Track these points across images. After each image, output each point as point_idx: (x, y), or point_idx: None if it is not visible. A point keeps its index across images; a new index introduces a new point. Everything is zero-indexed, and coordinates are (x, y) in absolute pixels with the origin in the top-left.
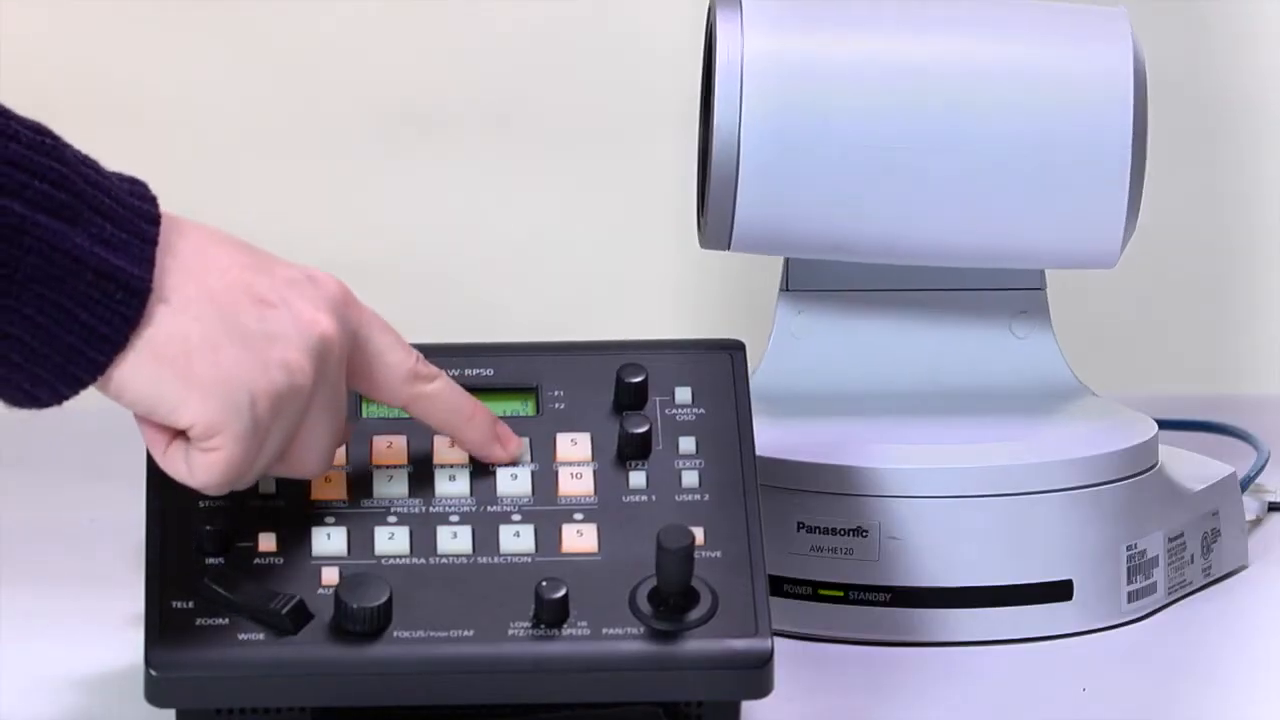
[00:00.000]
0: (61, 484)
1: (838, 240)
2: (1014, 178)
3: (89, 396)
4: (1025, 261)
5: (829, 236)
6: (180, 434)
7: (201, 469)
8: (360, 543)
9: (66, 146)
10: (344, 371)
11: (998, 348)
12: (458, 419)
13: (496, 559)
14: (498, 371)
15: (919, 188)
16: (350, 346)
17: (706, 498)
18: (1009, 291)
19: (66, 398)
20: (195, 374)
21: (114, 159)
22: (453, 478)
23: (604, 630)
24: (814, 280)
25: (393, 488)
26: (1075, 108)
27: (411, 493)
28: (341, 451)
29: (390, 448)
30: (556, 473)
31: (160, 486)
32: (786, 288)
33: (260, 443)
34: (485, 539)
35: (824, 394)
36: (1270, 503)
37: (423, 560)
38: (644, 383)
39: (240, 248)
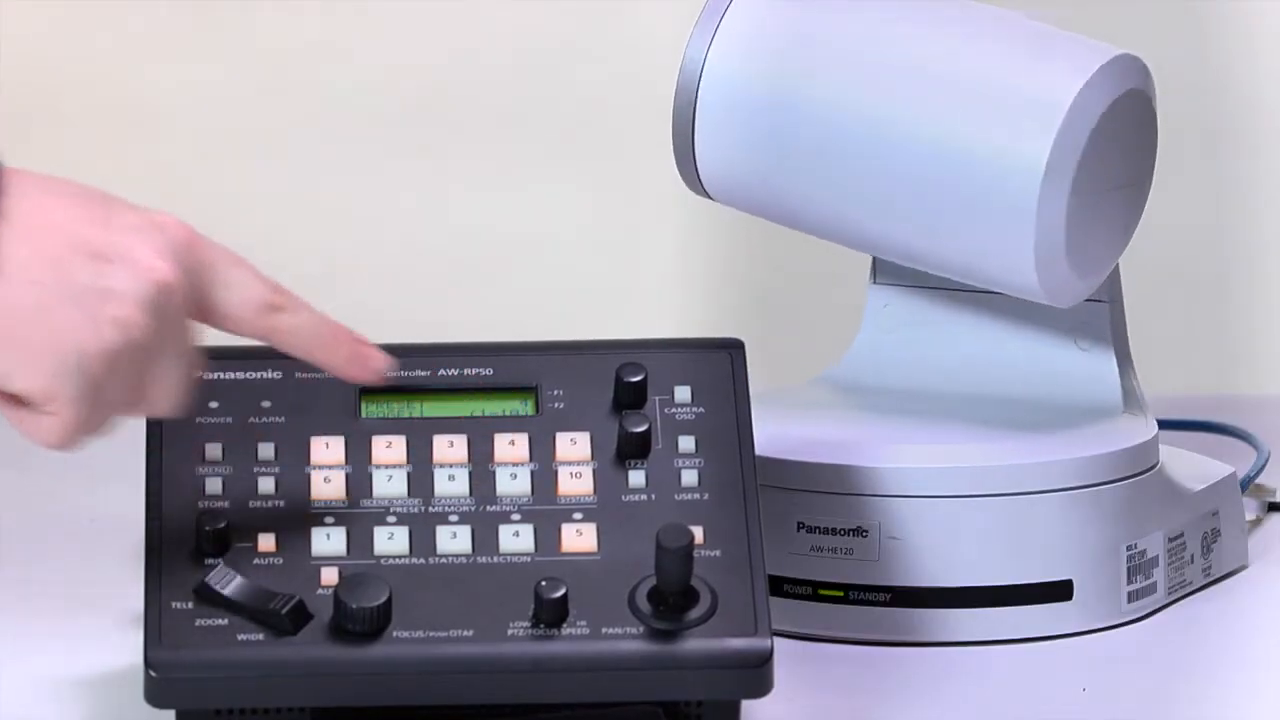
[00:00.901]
0: (61, 484)
1: (784, 209)
2: (935, 186)
3: None
4: (959, 275)
5: (775, 204)
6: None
7: (44, 432)
8: (359, 543)
9: None
10: (187, 312)
11: (1057, 359)
12: (316, 345)
13: (496, 559)
14: (497, 371)
15: (853, 175)
16: (197, 285)
17: (706, 497)
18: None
19: None
20: (25, 340)
21: (114, 159)
22: (452, 477)
23: (603, 630)
24: (897, 273)
25: (392, 488)
26: (995, 129)
27: (411, 493)
28: (341, 451)
29: (390, 448)
30: (556, 472)
31: (160, 487)
32: (874, 280)
33: (99, 400)
34: (484, 539)
35: (893, 388)
36: (1270, 503)
37: (422, 560)
38: (643, 382)
39: (80, 199)
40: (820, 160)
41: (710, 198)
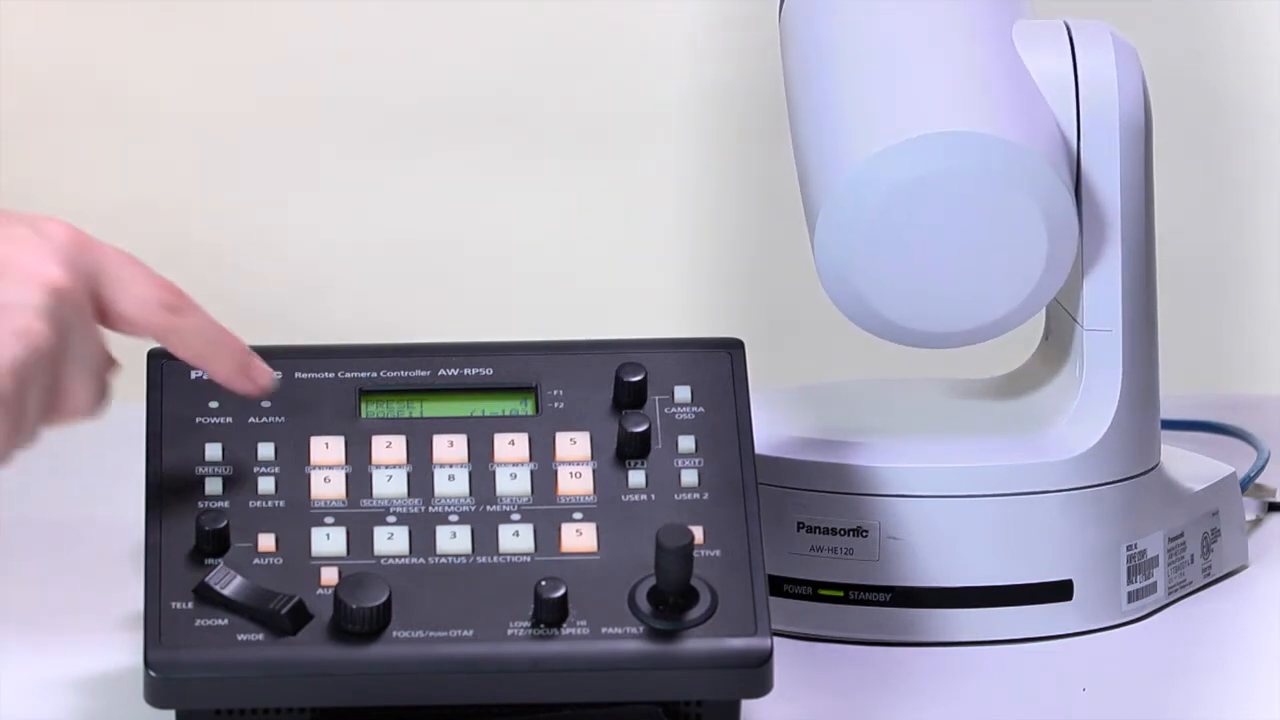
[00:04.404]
0: (61, 484)
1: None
2: (801, 164)
3: None
4: None
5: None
6: None
7: None
8: (359, 543)
9: None
10: (89, 314)
11: (1054, 374)
12: (210, 350)
13: (496, 558)
14: (497, 371)
15: (792, 120)
16: (92, 287)
17: (705, 496)
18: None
19: None
20: None
21: (112, 159)
22: (452, 477)
23: (603, 630)
24: None
25: (392, 488)
26: (821, 156)
27: (410, 492)
28: (341, 451)
29: (389, 448)
30: (556, 472)
31: (160, 487)
32: None
33: (17, 413)
34: (484, 538)
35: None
36: (1270, 503)
37: (422, 560)
38: (643, 381)
39: None
40: (788, 98)
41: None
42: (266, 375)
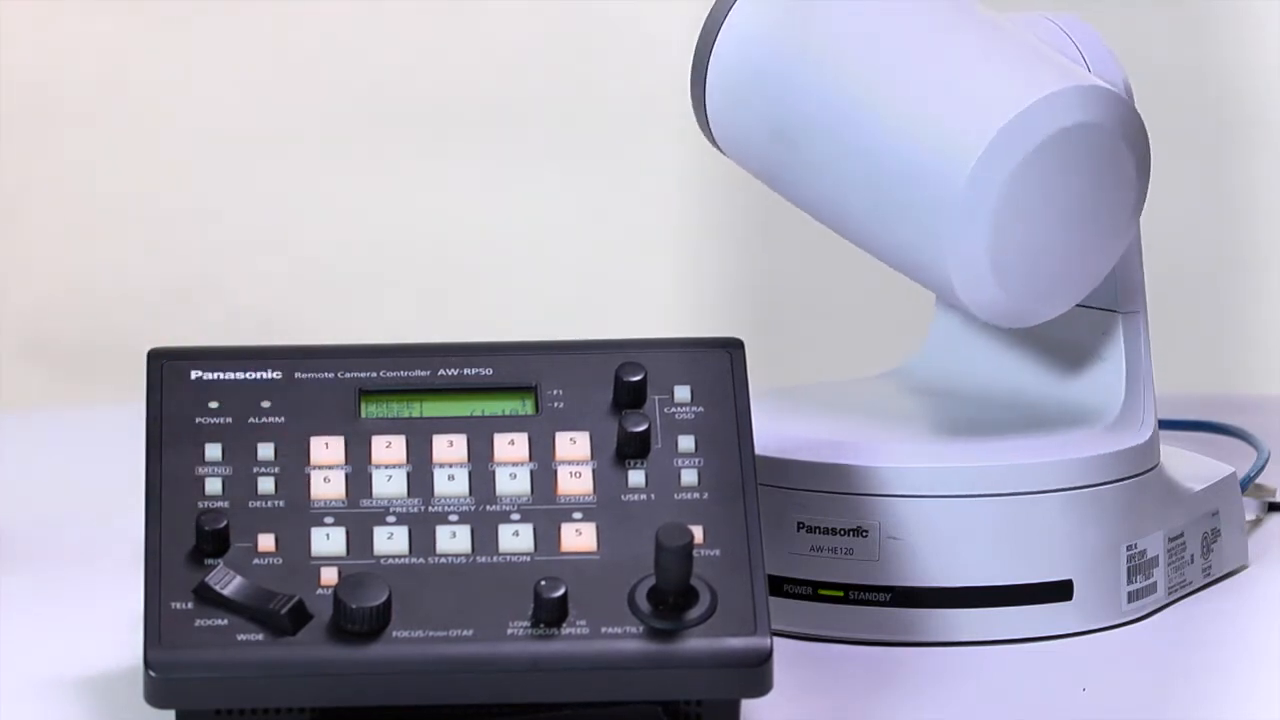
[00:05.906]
0: (62, 484)
1: (770, 175)
2: (877, 189)
3: (88, 395)
4: (907, 275)
5: (764, 169)
6: None
7: None
8: (359, 543)
9: None
10: None
11: (1073, 366)
12: None
13: (495, 558)
14: (496, 371)
15: (820, 158)
16: None
17: (705, 496)
18: (1091, 310)
19: None
20: None
21: (112, 158)
22: (451, 477)
23: (603, 629)
24: None
25: (391, 487)
26: (927, 149)
27: (410, 492)
28: (341, 451)
29: (389, 448)
30: (555, 471)
31: (160, 487)
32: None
33: None
34: (484, 538)
35: (936, 387)
36: (1270, 503)
37: (421, 560)
38: (643, 381)
39: None
40: (795, 137)
41: (720, 150)
42: None
